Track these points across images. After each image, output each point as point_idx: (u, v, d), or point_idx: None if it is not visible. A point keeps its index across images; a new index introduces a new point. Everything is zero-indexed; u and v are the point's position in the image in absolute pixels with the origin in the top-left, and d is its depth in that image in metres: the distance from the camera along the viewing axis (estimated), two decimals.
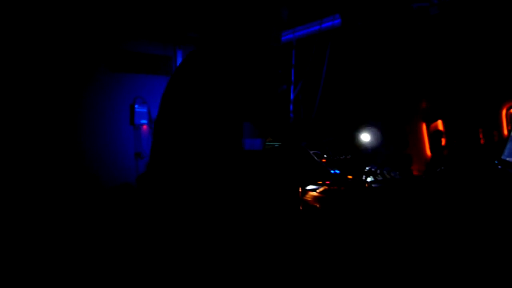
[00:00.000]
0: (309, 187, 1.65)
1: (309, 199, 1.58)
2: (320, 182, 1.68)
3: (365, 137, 2.04)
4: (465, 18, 2.20)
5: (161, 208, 1.45)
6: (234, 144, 1.44)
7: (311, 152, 2.15)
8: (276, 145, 2.73)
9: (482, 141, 2.08)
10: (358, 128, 2.04)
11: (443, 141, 2.25)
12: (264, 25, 1.52)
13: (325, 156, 2.08)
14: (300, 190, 1.63)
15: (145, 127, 3.92)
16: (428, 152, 2.35)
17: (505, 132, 2.01)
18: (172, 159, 1.42)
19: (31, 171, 3.14)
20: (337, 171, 1.79)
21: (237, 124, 1.45)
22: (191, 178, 1.39)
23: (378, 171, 1.79)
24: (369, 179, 1.72)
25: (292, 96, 3.18)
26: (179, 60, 4.13)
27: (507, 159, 1.71)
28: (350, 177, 1.73)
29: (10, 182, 3.02)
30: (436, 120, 2.31)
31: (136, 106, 3.80)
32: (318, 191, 1.60)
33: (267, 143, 2.77)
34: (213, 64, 1.40)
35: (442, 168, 1.78)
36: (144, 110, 3.86)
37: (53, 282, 2.52)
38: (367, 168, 1.82)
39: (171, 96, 1.48)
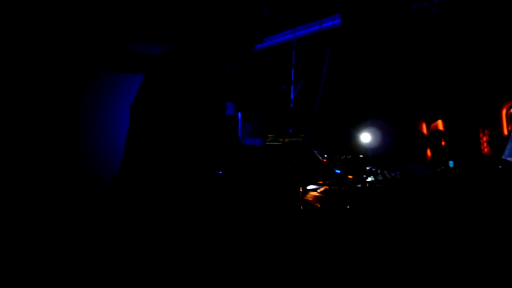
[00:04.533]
0: (310, 186, 1.65)
1: (310, 199, 1.58)
2: (321, 182, 1.68)
3: (366, 137, 2.04)
4: (465, 18, 2.21)
5: (153, 210, 1.45)
6: (217, 143, 1.42)
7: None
8: (276, 144, 2.74)
9: (482, 141, 2.08)
10: (358, 127, 2.04)
11: (443, 141, 2.25)
12: (245, 24, 1.51)
13: (325, 156, 2.08)
14: (300, 189, 1.63)
15: None
16: (429, 152, 2.36)
17: (505, 132, 2.01)
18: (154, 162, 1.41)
19: (30, 171, 3.14)
20: (338, 171, 1.79)
21: (217, 124, 1.43)
22: (175, 180, 1.38)
23: (379, 171, 1.79)
24: (369, 179, 1.72)
25: (292, 96, 3.18)
26: None
27: (507, 159, 1.72)
28: (350, 177, 1.73)
29: (9, 182, 3.01)
30: (436, 120, 2.31)
31: None
32: (318, 191, 1.61)
33: (267, 142, 2.77)
34: (189, 64, 1.39)
35: (442, 168, 1.78)
36: None
37: (53, 282, 2.52)
38: (367, 168, 1.82)
39: (146, 99, 1.47)
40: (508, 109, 2.03)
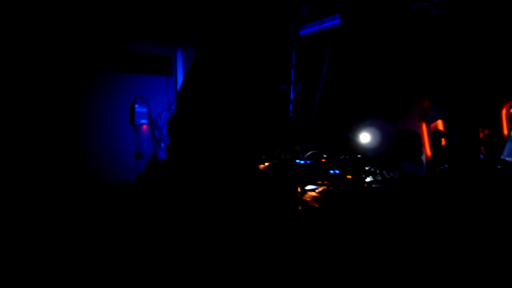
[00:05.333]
0: (308, 187, 1.65)
1: (308, 199, 1.58)
2: (319, 182, 1.68)
3: (365, 137, 2.03)
4: (465, 18, 2.20)
5: (164, 206, 1.47)
6: (247, 146, 1.43)
7: (310, 152, 2.14)
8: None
9: (482, 141, 2.08)
10: (357, 128, 2.04)
11: (443, 141, 2.25)
12: (282, 22, 1.52)
13: (324, 156, 2.08)
14: (299, 190, 1.63)
15: (145, 127, 3.92)
16: (428, 152, 2.35)
17: (505, 132, 2.01)
18: (183, 160, 1.42)
19: (31, 171, 3.14)
20: (337, 171, 1.79)
21: (250, 127, 1.45)
22: (199, 177, 1.39)
23: (378, 171, 1.78)
24: (368, 179, 1.72)
25: (292, 96, 3.18)
26: (179, 60, 4.13)
27: (507, 159, 1.71)
28: (349, 177, 1.73)
29: (10, 182, 3.02)
30: (436, 120, 2.30)
31: (136, 106, 3.80)
32: (317, 191, 1.60)
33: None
34: (227, 65, 1.40)
35: (442, 168, 1.77)
36: (144, 110, 3.86)
37: (53, 282, 2.52)
38: (366, 168, 1.81)
39: (185, 98, 1.48)
40: (508, 109, 2.02)
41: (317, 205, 1.53)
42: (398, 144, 2.31)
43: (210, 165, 1.39)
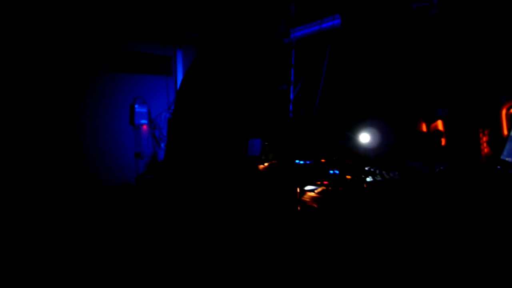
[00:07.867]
0: (307, 187, 1.65)
1: (307, 199, 1.58)
2: (319, 183, 1.68)
3: (365, 137, 2.03)
4: (465, 18, 2.20)
5: (163, 206, 1.47)
6: (241, 146, 1.44)
7: None
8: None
9: (482, 141, 2.08)
10: (357, 128, 2.04)
11: (443, 141, 2.25)
12: (272, 20, 1.53)
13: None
14: (298, 190, 1.63)
15: (145, 127, 3.92)
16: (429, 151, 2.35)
17: (505, 132, 2.00)
18: (181, 159, 1.43)
19: (31, 171, 3.14)
20: (336, 171, 1.79)
21: (245, 127, 1.45)
22: (197, 177, 1.40)
23: (377, 171, 1.78)
24: (368, 179, 1.71)
25: (292, 96, 3.18)
26: (179, 60, 4.13)
27: (507, 159, 1.71)
28: (348, 177, 1.73)
29: (10, 182, 3.02)
30: (436, 120, 2.30)
31: (136, 106, 3.80)
32: (316, 191, 1.60)
33: (267, 142, 2.76)
34: (222, 68, 1.40)
35: (442, 168, 1.77)
36: (144, 110, 3.86)
37: (53, 282, 2.52)
38: (366, 168, 1.81)
39: (185, 98, 1.49)
40: (508, 109, 2.02)
41: (316, 206, 1.53)
42: (403, 143, 2.31)
43: (209, 165, 1.39)
